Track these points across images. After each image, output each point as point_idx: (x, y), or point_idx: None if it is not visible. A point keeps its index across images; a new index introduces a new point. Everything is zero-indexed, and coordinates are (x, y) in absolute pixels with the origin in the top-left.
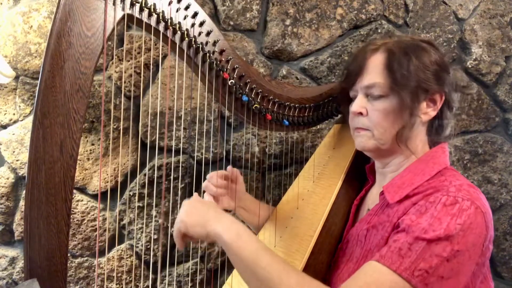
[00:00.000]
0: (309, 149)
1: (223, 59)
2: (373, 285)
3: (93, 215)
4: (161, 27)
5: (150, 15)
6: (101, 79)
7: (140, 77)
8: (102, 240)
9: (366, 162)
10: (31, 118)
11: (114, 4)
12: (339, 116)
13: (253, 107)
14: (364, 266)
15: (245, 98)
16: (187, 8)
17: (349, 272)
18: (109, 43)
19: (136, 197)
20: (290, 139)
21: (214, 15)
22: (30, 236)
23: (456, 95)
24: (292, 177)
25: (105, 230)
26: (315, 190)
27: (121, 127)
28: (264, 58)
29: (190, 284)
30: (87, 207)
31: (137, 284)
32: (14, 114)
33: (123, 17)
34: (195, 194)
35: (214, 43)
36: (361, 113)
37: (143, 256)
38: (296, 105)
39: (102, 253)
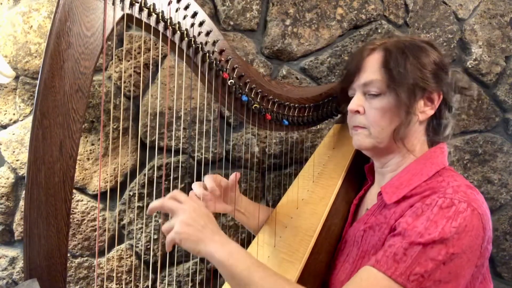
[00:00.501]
0: (308, 149)
1: (222, 59)
2: None
3: (93, 215)
4: (160, 27)
5: (149, 15)
6: (101, 79)
7: (140, 77)
8: (102, 240)
9: (365, 162)
10: (31, 118)
11: (113, 4)
12: (339, 116)
13: (253, 107)
14: (360, 271)
15: (244, 98)
16: (186, 8)
17: (345, 272)
18: (109, 43)
19: (136, 197)
20: (290, 139)
21: (214, 15)
22: (30, 236)
23: (455, 95)
24: (292, 177)
25: (105, 230)
26: (314, 190)
27: (121, 127)
28: (264, 58)
29: (190, 284)
30: (87, 207)
31: (137, 284)
32: (14, 114)
33: (122, 17)
34: (192, 195)
35: (214, 43)
36: (358, 112)
37: (143, 256)
38: (296, 105)
39: (102, 253)
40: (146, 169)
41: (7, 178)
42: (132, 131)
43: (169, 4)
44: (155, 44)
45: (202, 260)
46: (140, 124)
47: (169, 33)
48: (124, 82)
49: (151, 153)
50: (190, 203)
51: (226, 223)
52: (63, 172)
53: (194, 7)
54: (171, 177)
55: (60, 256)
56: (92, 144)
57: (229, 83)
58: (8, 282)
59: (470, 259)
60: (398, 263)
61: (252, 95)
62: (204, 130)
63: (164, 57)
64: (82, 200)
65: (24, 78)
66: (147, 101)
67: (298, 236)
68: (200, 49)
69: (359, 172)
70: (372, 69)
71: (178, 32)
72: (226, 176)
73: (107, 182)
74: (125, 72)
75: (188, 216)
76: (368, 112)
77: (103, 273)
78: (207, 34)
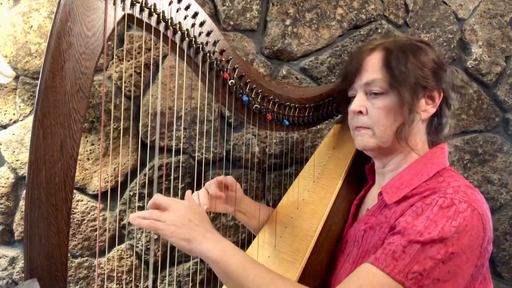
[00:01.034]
0: (309, 149)
1: (223, 59)
2: (366, 287)
3: (93, 215)
4: (161, 27)
5: (150, 15)
6: (101, 79)
7: (140, 77)
8: (102, 240)
9: (366, 162)
10: (31, 118)
11: (114, 4)
12: (339, 116)
13: (253, 107)
14: (359, 268)
15: (245, 98)
16: (187, 8)
17: (346, 272)
18: (109, 43)
19: (136, 197)
20: (290, 139)
21: (214, 15)
22: (30, 236)
23: (453, 93)
24: (292, 177)
25: (105, 230)
26: (315, 190)
27: (121, 127)
28: (264, 58)
29: (190, 284)
30: (87, 207)
31: (137, 284)
32: (14, 114)
33: (123, 17)
34: (188, 194)
35: (215, 43)
36: (361, 112)
37: (143, 256)
38: (296, 105)
39: (102, 253)
40: (147, 169)
41: (7, 178)
42: (132, 131)
43: (170, 4)
44: (156, 44)
45: (202, 260)
46: (140, 124)
47: (169, 33)
48: (125, 82)
49: (151, 153)
50: (179, 202)
51: (226, 223)
52: (64, 172)
53: (195, 7)
54: (171, 177)
55: (60, 256)
56: (92, 144)
57: (229, 83)
58: (8, 282)
59: (470, 259)
60: (397, 261)
61: (253, 95)
62: (205, 130)
63: (164, 57)
64: (82, 200)
65: (24, 78)
66: (147, 101)
67: (299, 236)
68: (201, 49)
69: (360, 172)
70: (373, 69)
71: (179, 32)
72: None
73: (107, 182)
74: (125, 72)
75: (183, 213)
76: (371, 112)
77: (103, 273)
78: (208, 34)
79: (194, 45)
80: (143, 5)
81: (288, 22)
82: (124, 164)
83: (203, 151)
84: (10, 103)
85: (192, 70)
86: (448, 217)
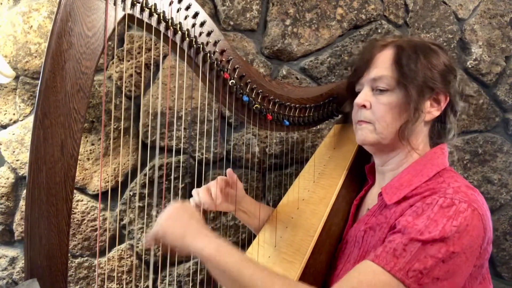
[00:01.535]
0: (309, 149)
1: (223, 59)
2: (366, 284)
3: (93, 215)
4: (161, 28)
5: (151, 15)
6: (102, 79)
7: (141, 77)
8: (102, 240)
9: (366, 162)
10: (31, 118)
11: (114, 4)
12: (340, 116)
13: (254, 107)
14: (359, 265)
15: (245, 98)
16: (187, 8)
17: (346, 272)
18: (110, 43)
19: (137, 197)
20: (291, 139)
21: (214, 15)
22: (31, 236)
23: (461, 101)
24: (292, 177)
25: (105, 230)
26: (315, 190)
27: (122, 127)
28: (264, 58)
29: (190, 284)
30: (87, 207)
31: (137, 284)
32: (14, 114)
33: (123, 17)
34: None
35: (215, 43)
36: (364, 106)
37: (143, 256)
38: (297, 105)
39: (102, 253)
40: (147, 169)
41: (7, 178)
42: (132, 131)
43: (170, 4)
44: (156, 44)
45: None
46: (140, 124)
47: (170, 33)
48: (125, 82)
49: (152, 153)
50: (171, 205)
51: (226, 223)
52: (64, 172)
53: (195, 7)
54: (171, 177)
55: (61, 255)
56: (92, 144)
57: (230, 84)
58: (8, 282)
59: (469, 258)
60: (398, 259)
61: (253, 96)
62: (205, 130)
63: (164, 57)
64: (82, 200)
65: (24, 78)
66: (147, 101)
67: (299, 236)
68: (201, 49)
69: (360, 172)
70: (383, 65)
71: (180, 32)
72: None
73: (108, 182)
74: (125, 72)
75: (174, 213)
76: (374, 107)
77: (103, 273)
78: (208, 34)
79: (195, 45)
80: (144, 5)
81: (288, 22)
82: (124, 164)
83: (203, 151)
84: (10, 103)
85: (192, 70)
86: (449, 217)
